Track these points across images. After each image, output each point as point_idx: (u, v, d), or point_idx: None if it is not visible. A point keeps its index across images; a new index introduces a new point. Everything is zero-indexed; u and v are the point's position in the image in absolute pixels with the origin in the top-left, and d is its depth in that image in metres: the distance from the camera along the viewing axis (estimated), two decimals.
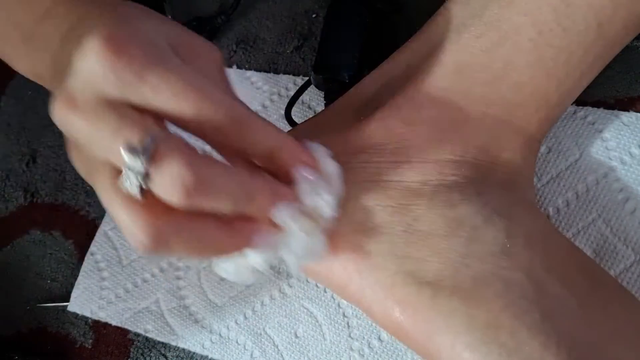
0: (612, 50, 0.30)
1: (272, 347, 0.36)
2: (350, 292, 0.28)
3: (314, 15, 0.47)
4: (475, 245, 0.27)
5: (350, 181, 0.29)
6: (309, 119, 0.34)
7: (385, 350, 0.34)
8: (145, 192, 0.22)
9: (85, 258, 0.43)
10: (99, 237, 0.43)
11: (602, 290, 0.28)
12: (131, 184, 0.22)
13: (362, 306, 0.28)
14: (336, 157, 0.29)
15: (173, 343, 0.38)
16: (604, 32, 0.28)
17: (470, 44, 0.29)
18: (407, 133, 0.29)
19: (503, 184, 0.29)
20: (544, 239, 0.28)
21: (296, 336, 0.36)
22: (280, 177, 0.26)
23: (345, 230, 0.28)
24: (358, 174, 0.29)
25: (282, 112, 0.41)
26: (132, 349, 0.39)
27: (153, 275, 0.40)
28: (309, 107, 0.42)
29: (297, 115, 0.42)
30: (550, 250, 0.28)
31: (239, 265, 0.27)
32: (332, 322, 0.35)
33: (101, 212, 0.44)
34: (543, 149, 0.35)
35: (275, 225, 0.26)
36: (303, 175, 0.26)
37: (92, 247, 0.43)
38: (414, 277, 0.26)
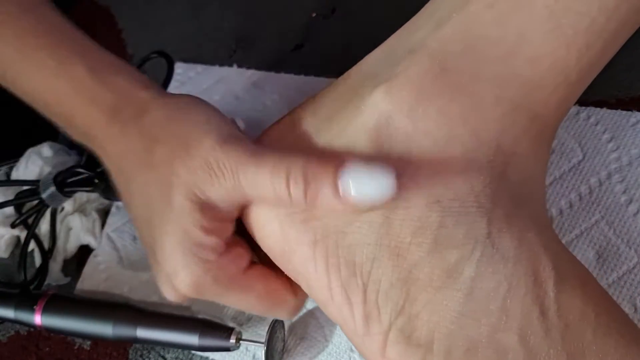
0: (637, 17, 0.26)
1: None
2: (346, 332, 0.28)
3: (314, 15, 0.46)
4: (472, 303, 0.25)
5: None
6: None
7: None
8: None
9: (89, 259, 0.43)
10: (102, 239, 0.43)
11: (599, 343, 0.25)
12: None
13: (356, 349, 0.28)
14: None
15: None
16: None
17: (480, 15, 0.26)
18: (413, 133, 0.26)
19: (515, 196, 0.27)
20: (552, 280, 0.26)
21: (298, 338, 0.35)
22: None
23: (344, 273, 0.26)
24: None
25: (283, 111, 0.41)
26: (130, 351, 0.38)
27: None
28: None
29: None
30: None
31: None
32: (334, 324, 0.35)
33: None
34: None
35: None
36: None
37: (96, 249, 0.43)
38: (406, 336, 0.25)
